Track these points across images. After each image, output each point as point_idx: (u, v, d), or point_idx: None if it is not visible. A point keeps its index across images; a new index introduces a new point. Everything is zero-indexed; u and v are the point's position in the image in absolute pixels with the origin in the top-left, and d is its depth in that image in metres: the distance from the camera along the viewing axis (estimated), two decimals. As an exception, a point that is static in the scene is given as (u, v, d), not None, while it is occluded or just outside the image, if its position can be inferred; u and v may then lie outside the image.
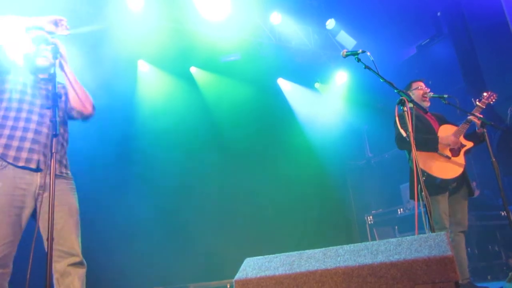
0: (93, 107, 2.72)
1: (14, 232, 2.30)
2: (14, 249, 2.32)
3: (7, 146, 2.37)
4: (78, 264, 2.38)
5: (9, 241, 2.27)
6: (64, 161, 2.58)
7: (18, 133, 2.40)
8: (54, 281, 2.34)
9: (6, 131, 2.40)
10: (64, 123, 2.66)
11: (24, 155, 2.37)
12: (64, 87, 2.69)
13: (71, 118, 2.70)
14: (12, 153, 2.36)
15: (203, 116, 6.74)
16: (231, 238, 6.09)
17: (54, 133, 2.12)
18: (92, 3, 5.47)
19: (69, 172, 2.60)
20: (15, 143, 2.38)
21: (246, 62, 6.96)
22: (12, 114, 2.43)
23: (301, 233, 6.63)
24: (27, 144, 2.40)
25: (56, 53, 2.41)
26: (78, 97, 2.58)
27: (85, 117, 2.69)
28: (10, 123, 2.41)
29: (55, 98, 2.22)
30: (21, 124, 2.43)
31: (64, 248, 2.33)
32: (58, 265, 2.33)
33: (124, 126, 5.86)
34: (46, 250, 2.32)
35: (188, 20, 6.16)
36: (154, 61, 6.50)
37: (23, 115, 2.45)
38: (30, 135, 2.42)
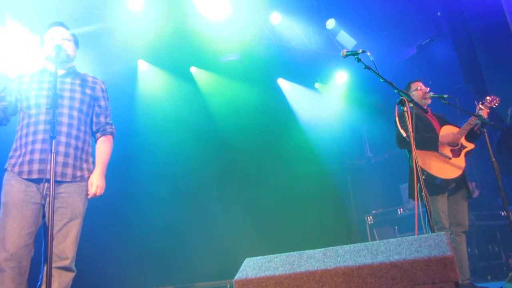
0: None
1: (29, 226, 2.34)
2: (31, 245, 2.35)
3: (15, 165, 2.45)
4: (64, 268, 2.38)
5: (24, 234, 2.31)
6: (78, 164, 2.57)
7: (29, 148, 2.46)
8: (42, 277, 2.37)
9: (19, 151, 2.48)
10: (81, 123, 2.67)
11: (25, 168, 2.42)
12: (96, 82, 2.85)
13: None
14: (16, 169, 2.43)
15: (203, 116, 6.73)
16: (231, 238, 6.09)
17: (52, 135, 2.14)
18: (92, 3, 5.47)
19: (84, 174, 2.59)
20: (22, 159, 2.45)
21: (246, 62, 6.95)
22: (24, 131, 2.50)
23: (301, 233, 6.62)
24: (32, 157, 2.44)
25: (59, 51, 2.45)
26: None
27: None
28: (23, 140, 2.49)
29: (55, 98, 2.22)
30: (30, 138, 2.48)
31: (56, 251, 2.33)
32: (46, 266, 2.34)
33: (123, 126, 5.83)
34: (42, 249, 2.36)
35: (188, 20, 6.16)
36: (154, 61, 6.49)
37: (31, 128, 2.49)
38: (38, 146, 2.46)
